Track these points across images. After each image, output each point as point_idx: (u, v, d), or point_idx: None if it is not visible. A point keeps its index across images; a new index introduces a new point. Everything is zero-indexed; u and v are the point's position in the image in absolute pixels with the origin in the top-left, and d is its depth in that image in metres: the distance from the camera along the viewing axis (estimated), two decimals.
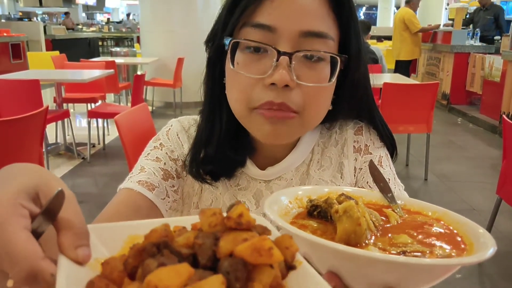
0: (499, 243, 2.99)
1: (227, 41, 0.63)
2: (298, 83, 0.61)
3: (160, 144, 0.78)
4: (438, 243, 0.48)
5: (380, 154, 0.78)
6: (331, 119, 0.72)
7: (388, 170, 0.77)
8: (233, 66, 0.62)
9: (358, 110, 0.77)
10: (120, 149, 2.76)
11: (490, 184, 3.63)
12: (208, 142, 0.73)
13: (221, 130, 0.72)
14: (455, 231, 0.52)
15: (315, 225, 0.53)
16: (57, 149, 4.59)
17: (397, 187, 0.76)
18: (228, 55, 0.63)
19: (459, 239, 0.50)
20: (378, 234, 0.50)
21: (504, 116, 2.51)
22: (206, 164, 0.74)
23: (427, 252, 0.46)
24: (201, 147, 0.74)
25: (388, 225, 0.53)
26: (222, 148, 0.72)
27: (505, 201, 2.48)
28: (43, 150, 2.60)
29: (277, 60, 0.59)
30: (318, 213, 0.54)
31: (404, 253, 0.45)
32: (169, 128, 0.80)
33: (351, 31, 0.66)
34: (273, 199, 0.55)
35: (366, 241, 0.48)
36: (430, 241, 0.49)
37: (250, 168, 0.76)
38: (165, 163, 0.76)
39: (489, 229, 2.59)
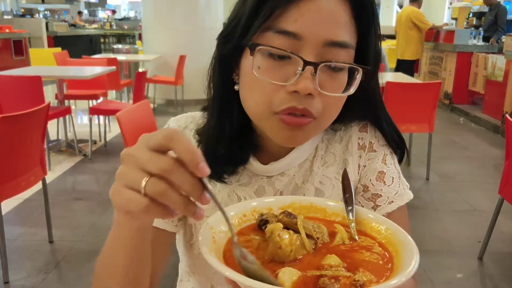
0: (501, 244, 2.95)
1: (251, 45, 0.61)
2: (320, 91, 0.61)
3: None
4: (363, 268, 0.49)
5: (385, 152, 0.78)
6: (337, 119, 0.72)
7: (392, 168, 0.77)
8: (255, 71, 0.61)
9: (364, 111, 0.77)
10: (121, 146, 2.76)
11: (492, 184, 3.62)
12: (218, 141, 0.72)
13: (231, 128, 0.71)
14: (390, 256, 0.52)
15: (258, 239, 0.55)
16: (58, 146, 4.59)
17: (402, 186, 0.76)
18: (252, 60, 0.62)
19: (389, 265, 0.50)
20: (313, 252, 0.52)
21: (507, 116, 2.49)
22: (217, 163, 0.73)
23: (348, 276, 0.47)
24: (212, 146, 0.73)
25: (331, 244, 0.54)
26: (230, 147, 0.72)
27: (507, 201, 2.47)
28: (45, 146, 2.60)
29: (303, 69, 0.59)
30: (265, 228, 0.57)
31: (320, 276, 0.47)
32: None
33: (371, 39, 0.65)
34: (231, 208, 0.59)
35: (293, 259, 0.51)
36: (357, 265, 0.50)
37: (253, 163, 0.75)
38: None
39: (490, 229, 2.59)
